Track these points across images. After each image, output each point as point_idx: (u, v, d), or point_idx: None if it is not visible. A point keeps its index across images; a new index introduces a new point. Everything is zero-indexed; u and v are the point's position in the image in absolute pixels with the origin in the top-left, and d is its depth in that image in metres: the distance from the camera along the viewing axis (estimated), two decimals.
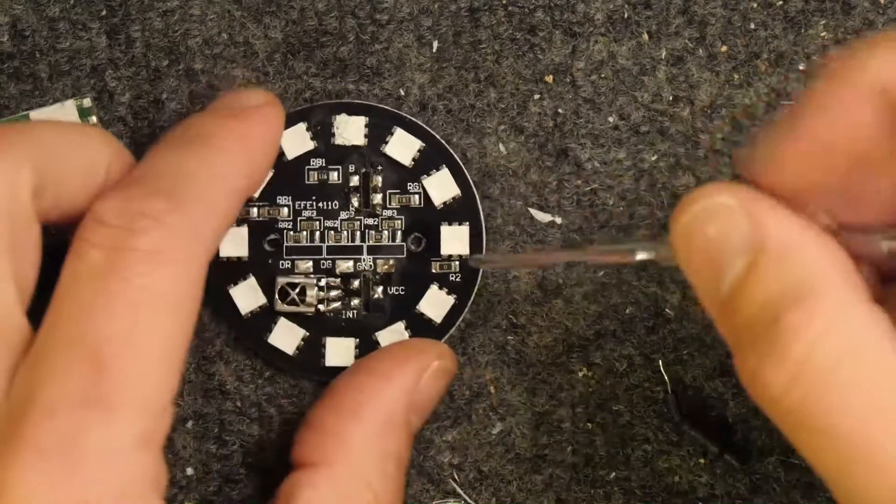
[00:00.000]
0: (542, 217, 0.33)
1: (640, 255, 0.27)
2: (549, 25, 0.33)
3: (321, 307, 0.32)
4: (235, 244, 0.32)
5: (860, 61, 0.23)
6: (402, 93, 0.33)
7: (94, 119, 0.32)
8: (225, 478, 0.33)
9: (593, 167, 0.33)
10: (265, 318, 0.32)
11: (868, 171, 0.24)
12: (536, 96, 0.33)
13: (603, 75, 0.33)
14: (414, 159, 0.32)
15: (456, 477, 0.33)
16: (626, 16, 0.33)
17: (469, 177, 0.32)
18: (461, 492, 0.33)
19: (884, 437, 0.22)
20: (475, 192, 0.32)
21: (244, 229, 0.32)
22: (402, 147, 0.32)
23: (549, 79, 0.33)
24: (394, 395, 0.30)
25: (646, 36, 0.33)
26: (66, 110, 0.32)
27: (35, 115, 0.32)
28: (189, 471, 0.33)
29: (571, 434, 0.33)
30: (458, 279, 0.33)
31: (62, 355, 0.24)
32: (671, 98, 0.33)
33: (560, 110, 0.33)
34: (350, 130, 0.32)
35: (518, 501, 0.33)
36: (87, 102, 0.32)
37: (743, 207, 0.24)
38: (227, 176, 0.27)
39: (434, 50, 0.33)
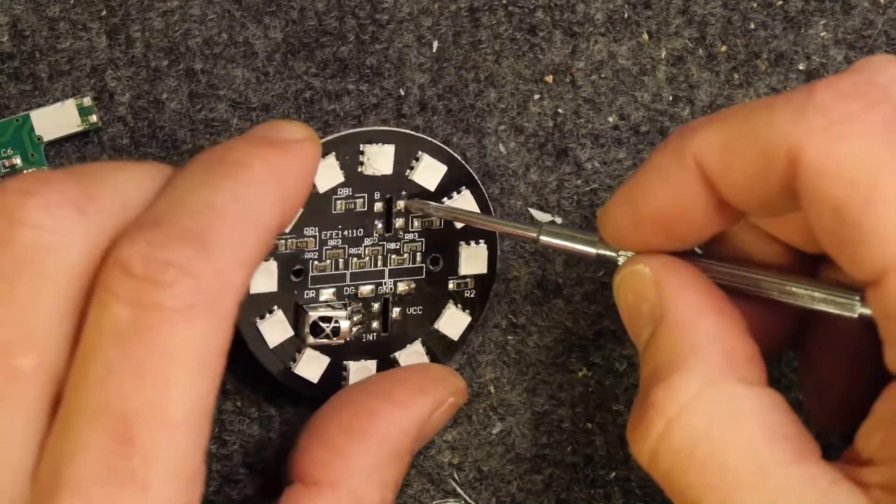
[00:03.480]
0: (542, 217, 0.33)
1: (545, 238, 0.29)
2: (549, 25, 0.33)
3: (349, 337, 0.32)
4: (265, 280, 0.31)
5: (683, 137, 0.25)
6: (402, 93, 0.33)
7: (94, 118, 0.32)
8: (225, 478, 0.33)
9: (593, 167, 0.33)
10: (290, 348, 0.32)
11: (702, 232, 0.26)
12: (536, 96, 0.33)
13: (603, 75, 0.33)
14: (439, 184, 0.32)
15: (456, 477, 0.33)
16: (626, 16, 0.33)
17: (487, 197, 0.32)
18: (461, 492, 0.33)
19: None
20: (493, 212, 0.32)
21: (273, 264, 0.31)
22: (429, 173, 0.32)
23: (549, 79, 0.33)
24: (406, 425, 0.30)
25: (646, 36, 0.33)
26: (66, 110, 0.32)
27: (35, 115, 0.32)
28: None
29: (571, 434, 0.33)
30: (473, 295, 0.32)
31: (90, 428, 0.22)
32: (671, 98, 0.33)
33: (560, 110, 0.33)
34: (379, 161, 0.32)
35: (518, 501, 0.33)
36: (87, 101, 0.32)
37: (654, 279, 0.26)
38: (259, 214, 0.25)
39: (434, 50, 0.33)
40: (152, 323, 0.23)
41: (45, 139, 0.32)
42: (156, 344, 0.23)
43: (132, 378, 0.22)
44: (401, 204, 0.32)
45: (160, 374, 0.23)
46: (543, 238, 0.29)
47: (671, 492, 0.24)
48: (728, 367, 0.24)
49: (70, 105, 0.32)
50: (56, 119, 0.32)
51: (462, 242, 0.32)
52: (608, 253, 0.27)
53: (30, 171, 0.32)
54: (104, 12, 0.32)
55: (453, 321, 0.32)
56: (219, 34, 0.33)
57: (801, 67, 0.34)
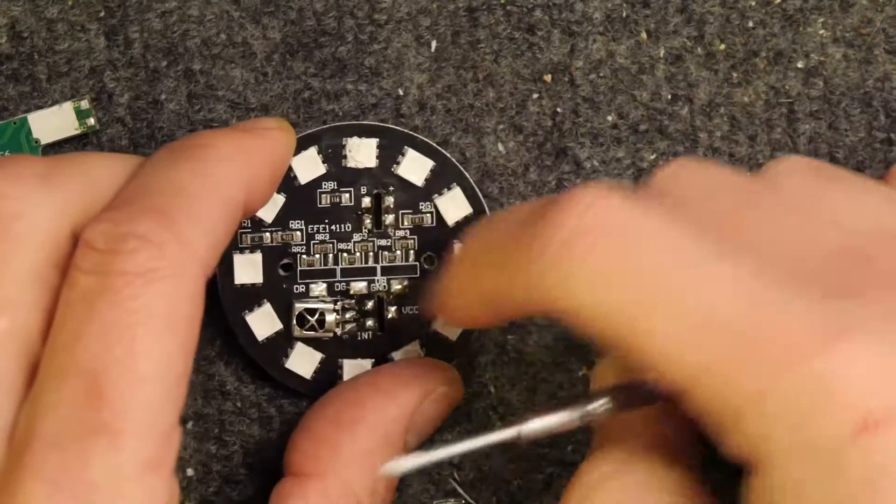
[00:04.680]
0: None
1: (530, 427, 0.26)
2: (548, 24, 0.33)
3: (337, 331, 0.32)
4: (250, 271, 0.32)
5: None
6: (401, 92, 0.33)
7: (91, 121, 0.32)
8: (225, 478, 0.33)
9: (592, 166, 0.33)
10: (282, 342, 0.32)
11: None
12: (535, 95, 0.33)
13: (601, 74, 0.33)
14: (426, 179, 0.32)
15: (456, 476, 0.33)
16: (624, 14, 0.33)
17: (480, 195, 0.32)
18: (462, 491, 0.33)
19: None
20: (487, 210, 0.32)
21: (258, 255, 0.32)
22: (415, 168, 0.32)
23: (548, 78, 0.33)
24: (394, 414, 0.30)
25: (644, 35, 0.33)
26: (63, 112, 0.32)
27: (33, 117, 0.32)
28: (189, 471, 0.33)
29: (571, 433, 0.33)
30: None
31: (60, 386, 0.23)
32: (670, 97, 0.33)
33: (559, 109, 0.33)
34: (362, 153, 0.32)
35: (518, 501, 0.33)
36: (84, 104, 0.32)
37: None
38: (221, 186, 0.26)
39: (432, 49, 0.33)
40: (116, 287, 0.23)
41: (43, 142, 0.32)
42: (120, 305, 0.23)
43: (99, 337, 0.23)
44: (389, 200, 0.32)
45: (126, 333, 0.23)
46: (527, 429, 0.26)
47: None
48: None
49: (67, 108, 0.32)
50: (54, 122, 0.32)
51: (456, 241, 0.32)
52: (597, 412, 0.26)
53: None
54: (102, 13, 0.33)
55: None
56: (217, 35, 0.33)
57: (799, 65, 0.34)
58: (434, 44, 0.33)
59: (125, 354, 0.23)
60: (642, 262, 0.23)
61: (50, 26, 0.32)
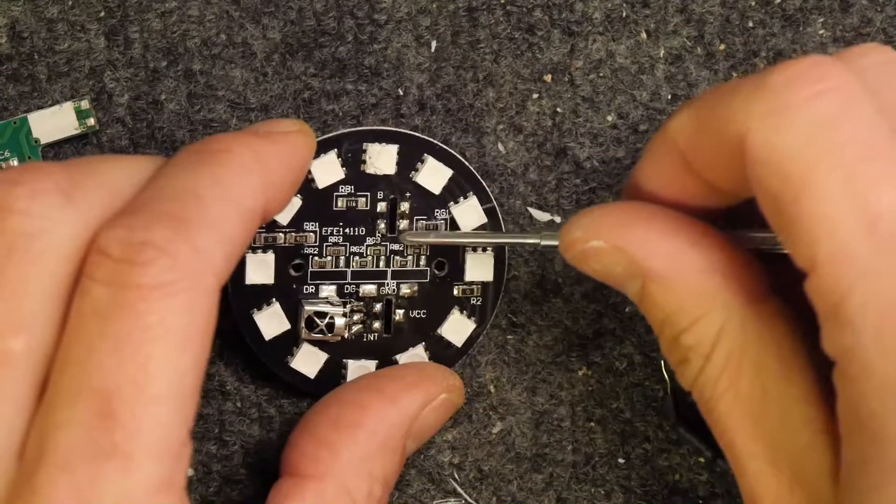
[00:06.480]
0: (542, 216, 0.33)
1: (546, 242, 0.30)
2: (548, 24, 0.33)
3: (345, 334, 0.32)
4: (261, 271, 0.31)
5: (668, 119, 0.26)
6: (401, 92, 0.33)
7: (91, 121, 0.32)
8: (225, 478, 0.33)
9: (592, 166, 0.33)
10: (288, 341, 0.32)
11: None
12: (535, 95, 0.33)
13: (601, 74, 0.33)
14: (444, 188, 0.32)
15: (456, 476, 0.33)
16: (624, 14, 0.33)
17: (496, 206, 0.32)
18: (462, 491, 0.33)
19: (752, 444, 0.25)
20: (502, 221, 0.32)
21: (270, 256, 0.32)
22: (433, 176, 0.32)
23: (548, 78, 0.33)
24: (395, 419, 0.30)
25: (644, 35, 0.33)
26: (64, 113, 0.32)
27: (33, 117, 0.32)
28: (189, 471, 0.33)
29: (571, 433, 0.33)
30: (478, 303, 0.32)
31: (72, 404, 0.23)
32: (670, 97, 0.33)
33: (559, 109, 0.33)
34: (382, 159, 0.32)
35: (518, 501, 0.33)
36: (84, 104, 0.32)
37: (614, 247, 0.27)
38: (240, 196, 0.25)
39: (432, 49, 0.33)
40: (130, 301, 0.23)
41: (43, 142, 0.32)
42: (134, 321, 0.23)
43: (112, 355, 0.23)
44: (405, 206, 0.32)
45: (139, 351, 0.23)
46: (545, 242, 0.30)
47: (707, 415, 0.26)
48: (732, 294, 0.26)
49: (68, 108, 0.32)
50: (54, 122, 0.32)
51: (469, 248, 0.32)
52: None
53: (23, 162, 0.32)
54: (102, 13, 0.32)
55: (457, 327, 0.32)
56: (217, 35, 0.33)
57: None
58: (434, 44, 0.33)
59: (138, 373, 0.23)
60: (852, 136, 0.23)
61: (50, 26, 0.32)
